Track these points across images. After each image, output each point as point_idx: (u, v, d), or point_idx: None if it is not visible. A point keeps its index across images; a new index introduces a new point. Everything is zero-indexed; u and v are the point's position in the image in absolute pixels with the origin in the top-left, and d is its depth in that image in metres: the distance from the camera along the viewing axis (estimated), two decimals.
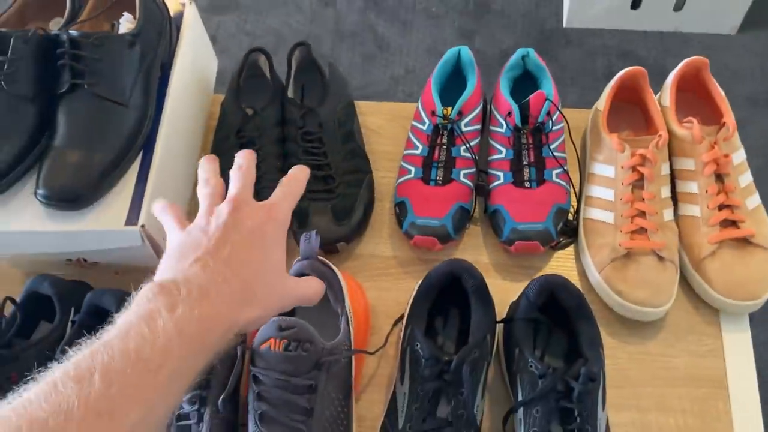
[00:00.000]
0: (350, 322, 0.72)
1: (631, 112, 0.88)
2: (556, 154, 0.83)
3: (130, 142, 0.79)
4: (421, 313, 0.73)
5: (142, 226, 0.75)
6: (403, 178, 0.85)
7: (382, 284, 0.83)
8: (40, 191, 0.75)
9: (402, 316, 0.78)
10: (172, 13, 0.90)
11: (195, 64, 0.92)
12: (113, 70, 0.79)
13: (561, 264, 0.83)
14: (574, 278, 0.82)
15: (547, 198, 0.81)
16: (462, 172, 0.83)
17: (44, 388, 0.33)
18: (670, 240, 0.78)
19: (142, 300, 0.41)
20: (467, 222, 0.84)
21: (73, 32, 0.78)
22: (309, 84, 0.94)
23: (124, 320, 0.39)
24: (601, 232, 0.80)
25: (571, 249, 0.84)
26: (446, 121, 0.83)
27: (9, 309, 0.77)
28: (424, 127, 0.85)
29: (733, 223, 0.78)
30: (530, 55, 0.86)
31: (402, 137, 0.91)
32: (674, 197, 0.82)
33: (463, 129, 0.84)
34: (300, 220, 0.83)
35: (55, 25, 0.87)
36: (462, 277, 0.72)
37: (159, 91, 0.85)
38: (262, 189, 0.83)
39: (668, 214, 0.79)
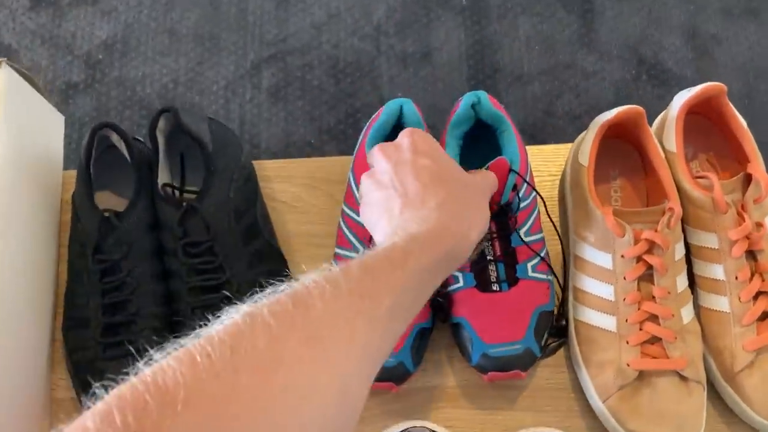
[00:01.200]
0: None
1: (621, 150, 0.66)
2: (529, 238, 0.61)
3: None
4: None
5: None
6: None
7: None
8: None
9: None
10: None
11: (25, 150, 0.66)
12: None
13: (551, 377, 0.64)
14: (568, 396, 0.63)
15: (524, 303, 0.60)
16: None
17: (317, 275, 0.36)
18: (693, 350, 0.59)
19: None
20: (428, 340, 0.64)
21: None
22: (188, 156, 0.69)
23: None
24: (600, 343, 0.60)
25: (559, 356, 0.64)
26: None
27: None
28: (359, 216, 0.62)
29: None
30: (482, 101, 0.62)
31: (328, 208, 0.69)
32: (691, 279, 0.62)
33: None
34: None
35: None
36: None
37: None
38: (142, 331, 0.62)
39: (687, 314, 0.60)
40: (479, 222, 0.49)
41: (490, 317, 0.60)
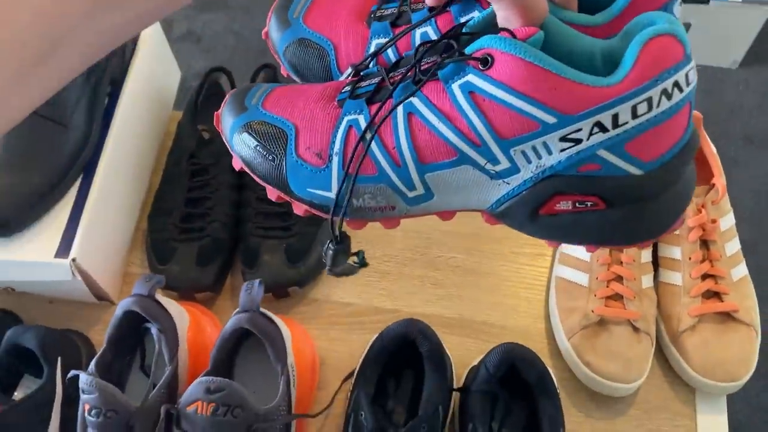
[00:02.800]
0: (292, 383, 0.66)
1: None
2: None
3: (68, 165, 0.73)
4: (370, 377, 0.66)
5: (74, 259, 0.69)
6: None
7: (334, 334, 0.77)
8: None
9: (352, 373, 0.71)
10: None
11: (151, 81, 0.86)
12: None
13: (530, 324, 0.77)
14: (542, 341, 0.76)
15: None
16: None
17: None
18: (647, 309, 0.72)
19: None
20: None
21: None
22: None
23: None
24: (573, 294, 0.74)
25: (540, 309, 0.78)
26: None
27: None
28: None
29: (716, 295, 0.72)
30: None
31: None
32: (655, 261, 0.76)
33: None
34: (249, 259, 0.76)
35: None
36: (416, 340, 0.66)
37: (107, 109, 0.78)
38: (212, 222, 0.77)
39: (647, 281, 0.73)
40: None
41: None
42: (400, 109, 0.38)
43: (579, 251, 0.75)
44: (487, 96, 0.35)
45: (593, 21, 0.39)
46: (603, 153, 0.35)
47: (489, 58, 0.34)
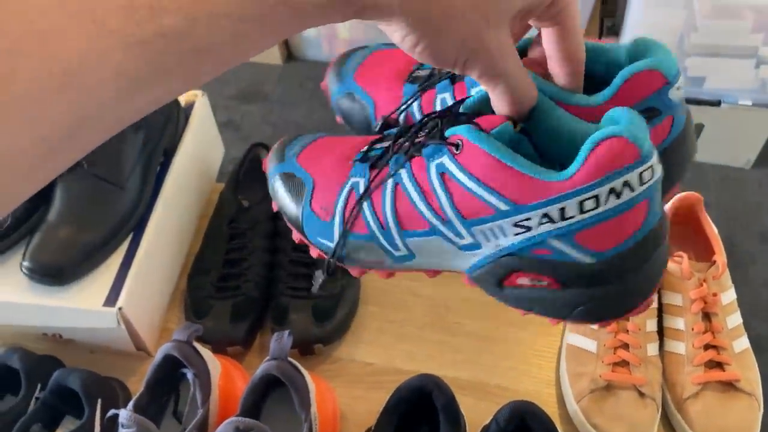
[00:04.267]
0: (314, 431, 0.70)
1: None
2: None
3: (121, 223, 0.80)
4: (387, 428, 0.70)
5: (120, 308, 0.75)
6: None
7: (356, 392, 0.81)
8: (26, 263, 0.76)
9: (370, 429, 0.75)
10: (183, 103, 0.93)
11: (199, 153, 0.94)
12: (114, 153, 0.81)
13: (542, 389, 0.81)
14: (552, 405, 0.79)
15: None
16: None
17: None
18: (652, 376, 0.76)
19: None
20: None
21: None
22: None
23: None
24: (582, 360, 0.78)
25: (551, 374, 0.82)
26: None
27: None
28: None
29: (719, 365, 0.76)
30: None
31: None
32: (660, 331, 0.80)
33: None
34: (278, 316, 0.82)
35: None
36: (432, 393, 0.70)
37: (158, 176, 0.86)
38: (247, 282, 0.84)
39: (653, 349, 0.77)
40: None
41: None
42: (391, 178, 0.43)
43: None
44: (454, 178, 0.38)
45: (592, 101, 0.41)
46: (553, 241, 0.37)
47: (460, 144, 0.38)
